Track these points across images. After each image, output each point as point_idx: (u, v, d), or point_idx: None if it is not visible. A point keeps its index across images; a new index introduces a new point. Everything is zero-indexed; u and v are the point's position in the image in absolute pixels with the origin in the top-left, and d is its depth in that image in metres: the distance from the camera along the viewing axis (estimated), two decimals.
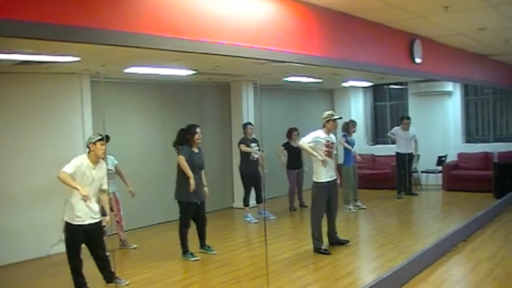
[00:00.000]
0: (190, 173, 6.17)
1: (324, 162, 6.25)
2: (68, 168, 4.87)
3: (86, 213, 4.94)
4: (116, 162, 6.65)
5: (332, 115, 6.44)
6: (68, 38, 2.75)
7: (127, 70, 6.41)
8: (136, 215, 7.79)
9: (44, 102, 6.79)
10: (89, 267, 5.17)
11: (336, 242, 6.65)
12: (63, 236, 6.68)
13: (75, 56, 5.03)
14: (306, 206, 9.31)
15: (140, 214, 7.96)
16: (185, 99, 9.14)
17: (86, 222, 4.95)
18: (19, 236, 6.43)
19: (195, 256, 6.30)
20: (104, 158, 5.12)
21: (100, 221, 5.07)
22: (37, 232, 6.55)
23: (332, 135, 6.56)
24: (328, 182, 6.36)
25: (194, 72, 7.08)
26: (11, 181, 6.47)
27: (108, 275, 5.18)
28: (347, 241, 6.70)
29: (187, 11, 3.42)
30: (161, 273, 5.87)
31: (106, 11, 2.91)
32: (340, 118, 6.61)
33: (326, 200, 6.41)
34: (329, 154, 6.38)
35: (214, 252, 6.53)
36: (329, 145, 6.38)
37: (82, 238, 5.01)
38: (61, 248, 6.71)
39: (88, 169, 4.97)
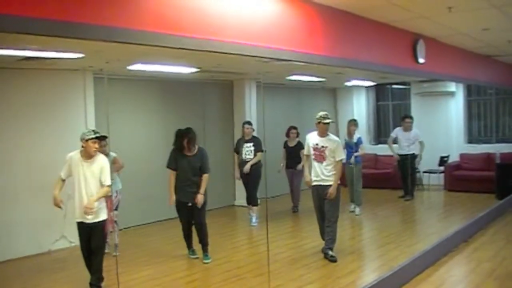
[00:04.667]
0: (171, 189, 5.99)
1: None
2: (62, 172, 4.94)
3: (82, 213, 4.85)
4: (114, 154, 6.21)
5: (323, 117, 5.90)
6: (72, 34, 2.76)
7: (130, 67, 6.41)
8: (138, 212, 7.81)
9: (47, 98, 6.80)
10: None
11: (324, 253, 6.10)
12: (64, 232, 6.73)
13: (79, 52, 5.04)
14: (295, 212, 9.08)
15: (142, 211, 7.98)
16: (188, 96, 9.14)
17: (86, 221, 4.89)
18: (20, 232, 6.45)
19: (195, 254, 6.29)
20: (96, 156, 4.91)
21: (102, 220, 4.96)
22: (38, 228, 6.57)
23: (329, 138, 5.95)
24: (315, 186, 6.05)
25: (197, 69, 7.09)
26: (13, 177, 6.48)
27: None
28: (334, 260, 5.91)
29: (191, 8, 3.42)
30: (162, 270, 5.89)
31: (110, 7, 2.92)
32: (331, 122, 5.95)
33: (317, 204, 6.12)
34: (317, 157, 5.99)
35: (206, 261, 6.10)
36: (317, 149, 6.00)
37: (86, 236, 4.96)
38: (63, 244, 6.78)
39: (78, 164, 4.85)
